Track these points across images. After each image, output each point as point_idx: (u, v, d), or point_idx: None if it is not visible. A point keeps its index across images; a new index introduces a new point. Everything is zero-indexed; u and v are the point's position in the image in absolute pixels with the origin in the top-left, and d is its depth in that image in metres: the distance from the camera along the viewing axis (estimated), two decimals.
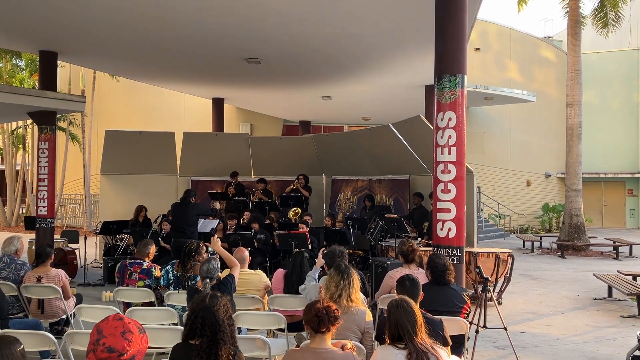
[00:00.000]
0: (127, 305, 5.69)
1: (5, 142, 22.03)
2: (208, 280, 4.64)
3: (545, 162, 23.05)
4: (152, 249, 6.28)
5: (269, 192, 12.04)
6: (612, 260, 13.88)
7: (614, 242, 14.71)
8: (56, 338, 3.99)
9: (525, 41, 22.85)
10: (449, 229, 6.27)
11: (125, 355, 2.12)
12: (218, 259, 5.05)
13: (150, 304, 5.61)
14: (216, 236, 5.66)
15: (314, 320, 3.17)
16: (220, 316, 2.88)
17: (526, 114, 22.16)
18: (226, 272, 5.33)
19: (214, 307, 2.90)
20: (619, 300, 8.91)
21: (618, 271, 9.69)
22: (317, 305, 3.23)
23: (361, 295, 4.27)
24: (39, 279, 5.80)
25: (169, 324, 4.77)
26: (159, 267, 6.15)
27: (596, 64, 24.42)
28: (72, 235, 11.63)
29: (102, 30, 9.42)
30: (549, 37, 27.32)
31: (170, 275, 5.76)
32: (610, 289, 9.07)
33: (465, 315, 4.51)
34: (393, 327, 3.14)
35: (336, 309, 3.27)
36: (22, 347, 2.41)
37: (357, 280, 4.08)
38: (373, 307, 5.43)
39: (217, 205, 11.17)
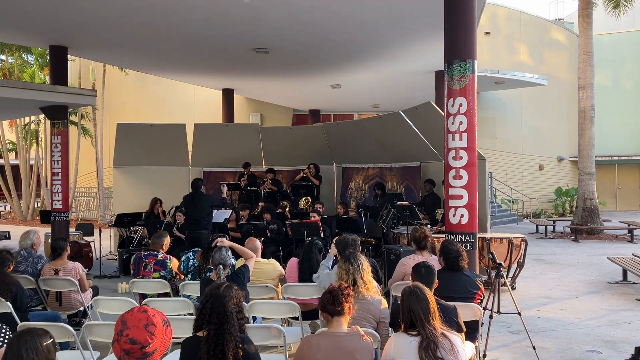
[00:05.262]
0: (143, 296, 5.76)
1: (19, 137, 22.24)
2: (222, 266, 4.69)
3: (558, 145, 22.85)
4: (167, 240, 6.34)
5: (278, 182, 12.06)
6: (627, 244, 13.79)
7: (629, 225, 14.59)
8: (74, 329, 4.04)
9: (535, 24, 22.55)
10: (462, 215, 6.27)
11: (148, 347, 2.13)
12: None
13: (166, 294, 5.68)
14: (226, 238, 5.61)
15: (328, 298, 3.18)
16: (230, 308, 2.88)
17: (538, 98, 21.94)
18: (241, 261, 5.37)
19: (226, 297, 2.91)
20: (634, 283, 8.86)
21: (633, 254, 9.61)
22: (329, 287, 3.27)
23: (375, 284, 4.29)
24: (56, 272, 5.89)
25: (184, 314, 4.82)
26: (174, 257, 6.21)
27: (608, 46, 24.09)
28: (86, 228, 11.74)
29: (111, 23, 9.45)
30: (559, 19, 27.01)
31: (191, 263, 5.81)
32: (625, 272, 9.02)
33: (479, 301, 4.51)
34: (406, 314, 3.16)
35: (348, 286, 3.32)
36: (50, 340, 2.37)
37: (365, 262, 4.11)
38: (386, 294, 5.44)
39: (226, 193, 10.87)
